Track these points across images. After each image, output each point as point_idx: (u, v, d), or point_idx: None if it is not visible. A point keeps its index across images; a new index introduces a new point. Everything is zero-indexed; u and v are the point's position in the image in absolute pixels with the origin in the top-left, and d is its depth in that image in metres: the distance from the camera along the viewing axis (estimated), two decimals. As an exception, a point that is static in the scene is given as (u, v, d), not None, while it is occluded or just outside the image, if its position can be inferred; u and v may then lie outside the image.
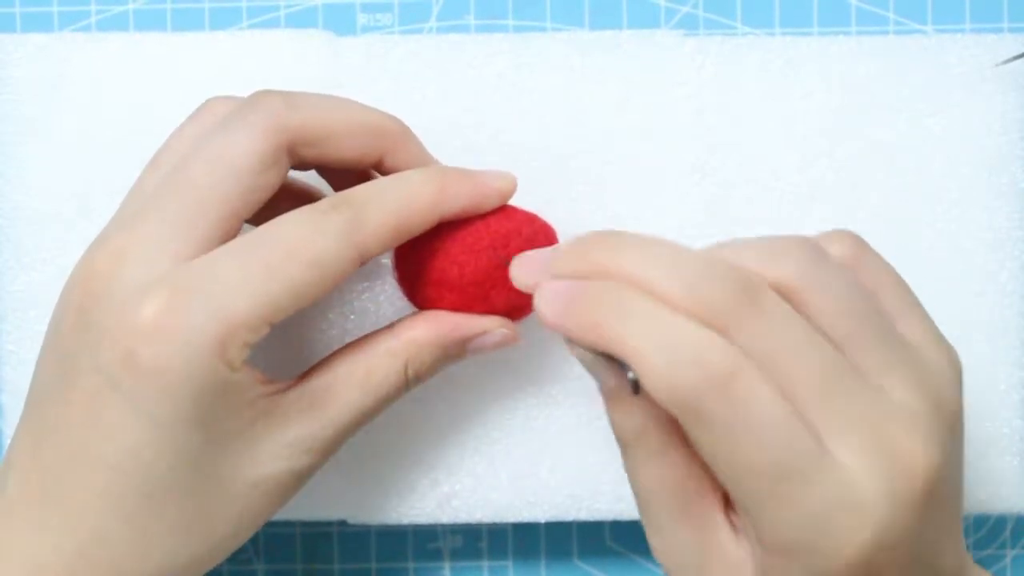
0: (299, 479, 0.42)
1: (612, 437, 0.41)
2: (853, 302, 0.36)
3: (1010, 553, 0.52)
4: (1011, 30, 0.51)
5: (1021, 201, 0.49)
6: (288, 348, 0.47)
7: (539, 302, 0.36)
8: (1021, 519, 0.52)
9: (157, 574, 0.40)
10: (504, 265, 0.42)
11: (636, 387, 0.36)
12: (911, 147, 0.49)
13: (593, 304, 0.35)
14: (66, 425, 0.39)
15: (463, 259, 0.43)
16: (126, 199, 0.43)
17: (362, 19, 0.51)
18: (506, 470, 0.48)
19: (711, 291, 0.34)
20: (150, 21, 0.51)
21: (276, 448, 0.41)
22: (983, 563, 0.52)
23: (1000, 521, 0.52)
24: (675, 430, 0.37)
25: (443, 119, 0.45)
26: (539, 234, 0.44)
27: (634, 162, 0.48)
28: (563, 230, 0.45)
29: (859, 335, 0.36)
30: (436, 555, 0.52)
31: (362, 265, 0.41)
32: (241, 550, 0.51)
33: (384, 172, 0.44)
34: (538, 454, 0.48)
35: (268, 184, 0.41)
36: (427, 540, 0.52)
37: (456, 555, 0.52)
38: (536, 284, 0.37)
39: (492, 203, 0.43)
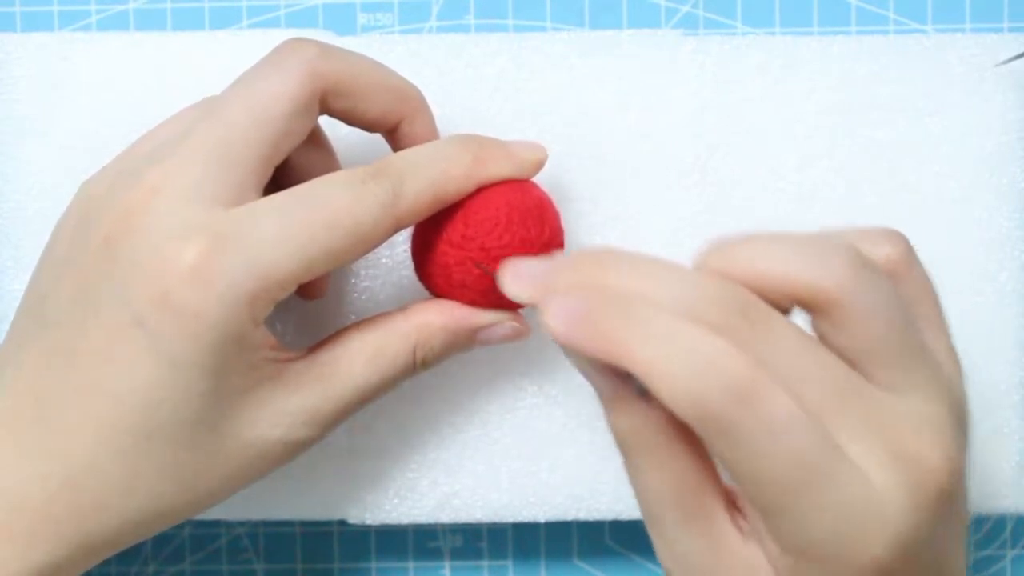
0: (290, 451, 0.42)
1: (612, 437, 0.41)
2: (888, 318, 0.35)
3: (1010, 553, 0.52)
4: (1011, 30, 0.51)
5: (1021, 201, 0.49)
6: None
7: (548, 318, 0.35)
8: (1021, 519, 0.52)
9: (135, 517, 0.40)
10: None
11: (642, 391, 0.35)
12: (911, 147, 0.49)
13: (606, 318, 0.34)
14: (77, 353, 0.39)
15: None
16: (128, 150, 0.43)
17: (362, 19, 0.51)
18: (506, 470, 0.48)
19: (708, 309, 0.34)
20: (150, 21, 0.51)
21: (275, 415, 0.41)
22: (983, 563, 0.52)
23: (1000, 521, 0.52)
24: (678, 432, 0.36)
25: (443, 119, 0.45)
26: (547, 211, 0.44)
27: (634, 162, 0.48)
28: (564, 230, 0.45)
29: (885, 348, 0.35)
30: (436, 555, 0.52)
31: (396, 233, 0.41)
32: (241, 549, 0.51)
33: (397, 139, 0.44)
34: (538, 454, 0.48)
35: (300, 130, 0.41)
36: (427, 540, 0.52)
37: (456, 555, 0.52)
38: (532, 298, 0.36)
39: (526, 174, 0.43)
